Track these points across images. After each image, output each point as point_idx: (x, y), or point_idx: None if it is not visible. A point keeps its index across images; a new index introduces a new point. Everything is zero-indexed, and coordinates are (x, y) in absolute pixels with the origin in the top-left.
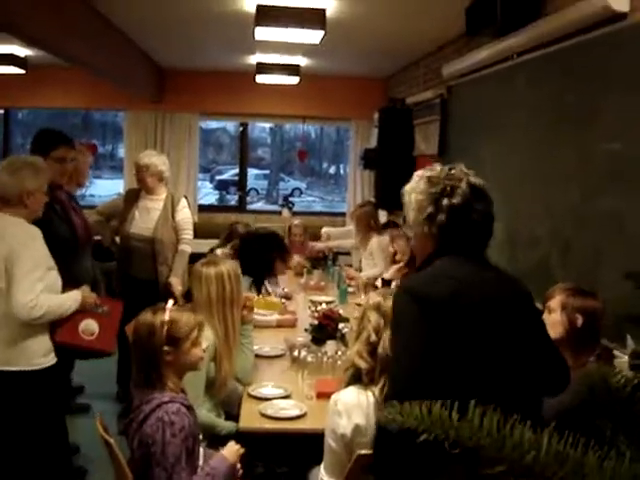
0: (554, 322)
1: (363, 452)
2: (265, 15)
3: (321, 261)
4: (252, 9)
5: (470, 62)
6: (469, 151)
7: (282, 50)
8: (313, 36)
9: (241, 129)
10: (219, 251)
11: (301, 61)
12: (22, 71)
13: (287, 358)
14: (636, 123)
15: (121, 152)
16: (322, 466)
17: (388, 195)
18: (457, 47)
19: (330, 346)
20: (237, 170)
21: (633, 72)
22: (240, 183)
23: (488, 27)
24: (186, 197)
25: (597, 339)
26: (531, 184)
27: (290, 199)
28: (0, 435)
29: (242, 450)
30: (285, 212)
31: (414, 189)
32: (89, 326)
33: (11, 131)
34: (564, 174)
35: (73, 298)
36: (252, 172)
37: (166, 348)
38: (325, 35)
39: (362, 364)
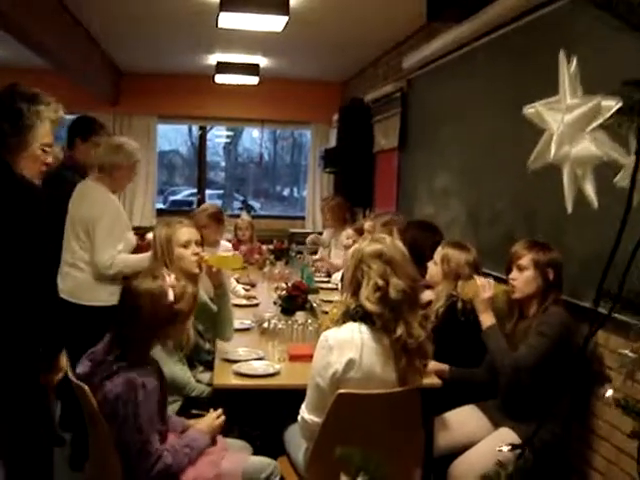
0: (528, 279)
1: (342, 391)
2: (230, 1)
3: (284, 252)
4: None
5: (431, 50)
6: (429, 141)
7: (242, 48)
8: (276, 22)
9: (200, 132)
10: None
11: (261, 61)
12: None
13: (256, 331)
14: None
15: None
16: (304, 404)
17: (348, 193)
18: (416, 40)
19: (300, 316)
20: (191, 191)
21: (587, 41)
22: (199, 184)
23: (449, 10)
24: None
25: (561, 288)
26: (492, 163)
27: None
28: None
29: (222, 421)
30: (244, 215)
31: None
32: None
33: None
34: (525, 149)
35: (147, 258)
36: (207, 192)
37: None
38: (287, 24)
39: (373, 308)
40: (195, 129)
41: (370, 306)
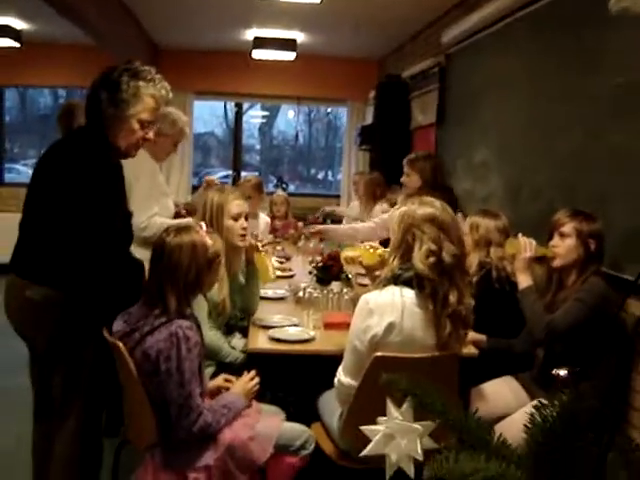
0: (569, 247)
1: (380, 354)
2: None
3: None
4: None
5: (470, 24)
6: (468, 116)
7: (279, 23)
8: None
9: (236, 110)
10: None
11: (298, 36)
12: (17, 44)
13: (291, 300)
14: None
15: None
16: (341, 367)
17: (385, 170)
18: (456, 15)
19: (335, 286)
20: (226, 172)
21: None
22: (234, 165)
23: None
24: None
25: (602, 259)
26: (533, 139)
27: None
28: None
29: (256, 383)
30: (279, 192)
31: None
32: None
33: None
34: (566, 125)
35: (185, 223)
36: (242, 174)
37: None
38: None
39: (426, 272)
40: (230, 110)
41: (424, 270)
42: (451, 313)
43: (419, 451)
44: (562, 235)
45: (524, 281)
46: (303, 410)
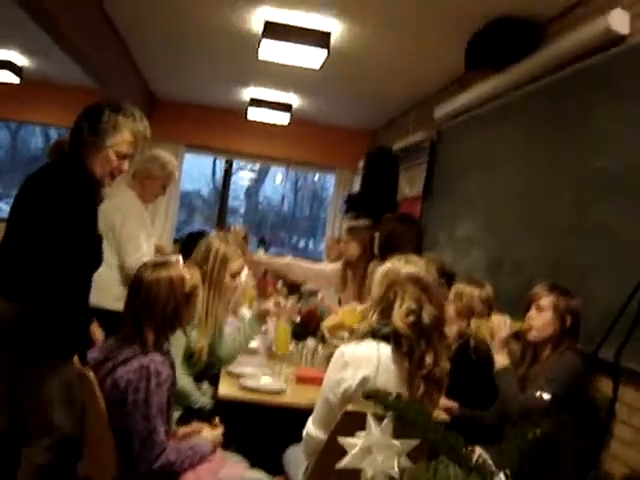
0: (546, 321)
1: (350, 408)
2: (272, 30)
3: (297, 288)
4: (259, 27)
5: (463, 101)
6: (454, 190)
7: (277, 85)
8: (316, 56)
9: (226, 167)
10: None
11: (294, 100)
12: (17, 79)
13: (263, 355)
14: (626, 142)
15: None
16: (311, 418)
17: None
18: (449, 92)
19: (310, 342)
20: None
21: (624, 95)
22: (218, 223)
23: (487, 59)
24: None
25: (577, 336)
26: (517, 216)
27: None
28: None
29: (222, 431)
30: (261, 252)
31: None
32: None
33: None
34: (552, 203)
35: (162, 258)
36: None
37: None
38: (325, 62)
39: (405, 331)
40: (219, 168)
41: (403, 328)
42: (426, 374)
43: (396, 469)
44: (539, 308)
45: (501, 361)
46: (267, 461)
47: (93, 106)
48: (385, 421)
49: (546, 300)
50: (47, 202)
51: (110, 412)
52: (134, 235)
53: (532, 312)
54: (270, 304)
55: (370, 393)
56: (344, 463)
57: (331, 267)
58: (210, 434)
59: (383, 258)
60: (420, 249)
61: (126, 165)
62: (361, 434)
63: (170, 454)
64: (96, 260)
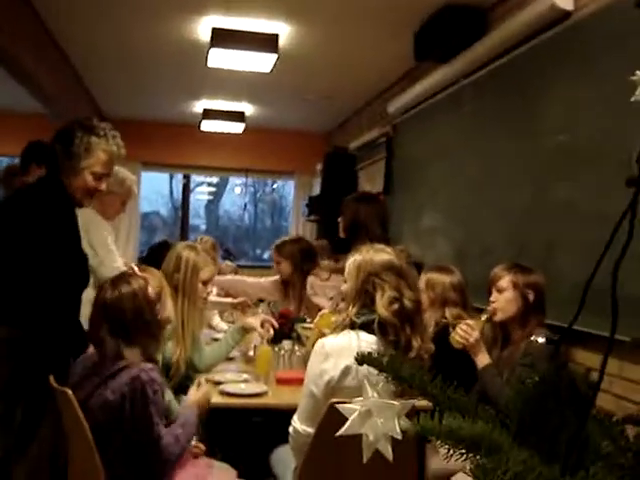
0: (508, 300)
1: (335, 400)
2: (220, 37)
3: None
4: (207, 36)
5: (416, 93)
6: (415, 183)
7: (229, 95)
8: (266, 60)
9: (184, 182)
10: None
11: (246, 109)
12: None
13: (240, 360)
14: (579, 116)
15: None
16: (296, 414)
17: (332, 239)
18: (401, 86)
19: (286, 344)
20: None
21: (574, 70)
22: (182, 230)
23: (436, 49)
24: None
25: (544, 311)
26: (480, 201)
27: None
28: None
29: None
30: (227, 262)
31: None
32: None
33: None
34: (513, 184)
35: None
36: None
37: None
38: (275, 66)
39: (391, 319)
40: (177, 187)
41: (388, 316)
42: (414, 358)
43: (398, 430)
44: (499, 289)
45: (481, 360)
46: (254, 467)
47: (65, 128)
48: (381, 383)
49: (505, 280)
50: (30, 225)
51: (101, 431)
52: (107, 247)
53: (494, 294)
54: (257, 322)
55: (363, 358)
56: (343, 430)
57: (269, 280)
58: (194, 395)
59: (351, 241)
60: (386, 226)
61: (104, 185)
62: (358, 400)
63: (174, 448)
64: (83, 279)
